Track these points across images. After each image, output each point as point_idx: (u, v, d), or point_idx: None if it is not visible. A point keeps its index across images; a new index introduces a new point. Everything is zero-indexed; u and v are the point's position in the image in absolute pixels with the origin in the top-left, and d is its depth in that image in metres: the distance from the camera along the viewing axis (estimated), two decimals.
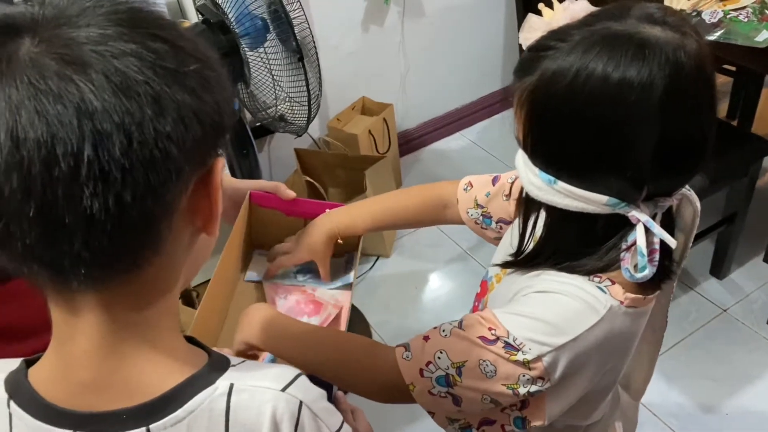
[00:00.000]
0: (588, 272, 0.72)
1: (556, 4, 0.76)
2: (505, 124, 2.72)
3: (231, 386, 0.50)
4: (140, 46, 0.42)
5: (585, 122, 0.65)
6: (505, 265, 0.81)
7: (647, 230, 0.68)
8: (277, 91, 1.52)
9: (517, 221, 0.81)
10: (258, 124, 1.97)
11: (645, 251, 0.68)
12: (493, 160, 2.61)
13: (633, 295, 0.71)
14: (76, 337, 0.48)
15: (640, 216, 0.68)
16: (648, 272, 0.68)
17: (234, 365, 0.52)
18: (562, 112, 0.66)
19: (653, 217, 0.70)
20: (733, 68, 2.31)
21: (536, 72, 0.66)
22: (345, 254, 1.09)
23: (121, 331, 0.48)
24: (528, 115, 0.68)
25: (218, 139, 0.48)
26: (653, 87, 0.62)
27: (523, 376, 0.70)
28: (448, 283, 2.18)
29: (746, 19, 1.64)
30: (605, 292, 0.70)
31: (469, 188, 0.99)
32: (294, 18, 1.40)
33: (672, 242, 0.69)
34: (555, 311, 0.71)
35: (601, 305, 0.70)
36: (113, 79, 0.41)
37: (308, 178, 2.24)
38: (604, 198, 0.67)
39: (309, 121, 1.51)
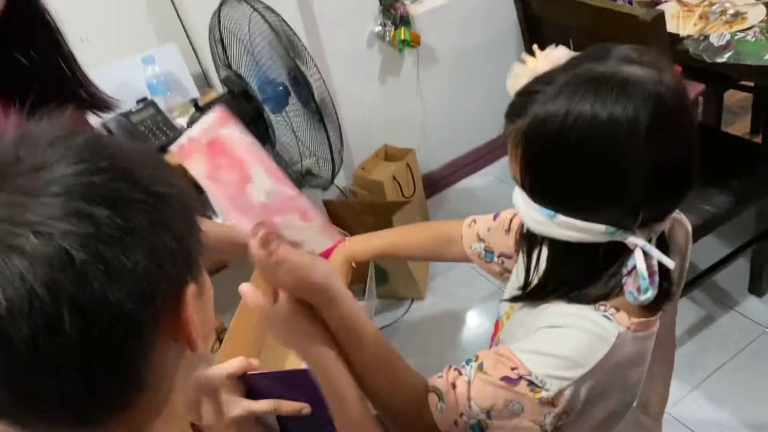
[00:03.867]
0: (593, 300, 0.75)
1: (537, 51, 0.82)
2: None
3: None
4: (86, 221, 0.40)
5: (578, 160, 0.69)
6: (513, 300, 0.85)
7: (645, 254, 0.72)
8: (301, 149, 1.59)
9: (521, 257, 0.85)
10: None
11: (646, 274, 0.71)
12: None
13: (638, 320, 0.74)
14: None
15: (637, 241, 0.72)
16: (651, 294, 0.72)
17: None
18: (555, 152, 0.70)
19: (649, 242, 0.74)
20: (752, 83, 2.32)
21: (527, 116, 0.70)
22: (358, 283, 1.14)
23: None
24: (523, 157, 0.73)
25: (184, 272, 0.46)
26: (639, 121, 0.66)
27: (549, 412, 0.72)
28: (485, 321, 2.19)
29: (754, 39, 1.66)
30: (611, 320, 0.73)
31: (473, 224, 1.07)
32: (312, 81, 1.47)
33: (670, 263, 0.73)
34: (568, 346, 0.73)
35: (609, 334, 0.73)
36: (59, 261, 0.39)
37: (338, 229, 2.29)
38: (602, 227, 0.71)
39: (334, 175, 1.57)
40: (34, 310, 0.38)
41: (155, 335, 0.44)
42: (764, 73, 1.58)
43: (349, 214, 2.33)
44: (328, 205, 2.32)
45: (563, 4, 1.52)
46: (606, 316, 0.74)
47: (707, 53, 1.67)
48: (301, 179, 1.66)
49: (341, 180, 2.45)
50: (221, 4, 1.48)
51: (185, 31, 1.98)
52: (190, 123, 1.44)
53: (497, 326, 0.95)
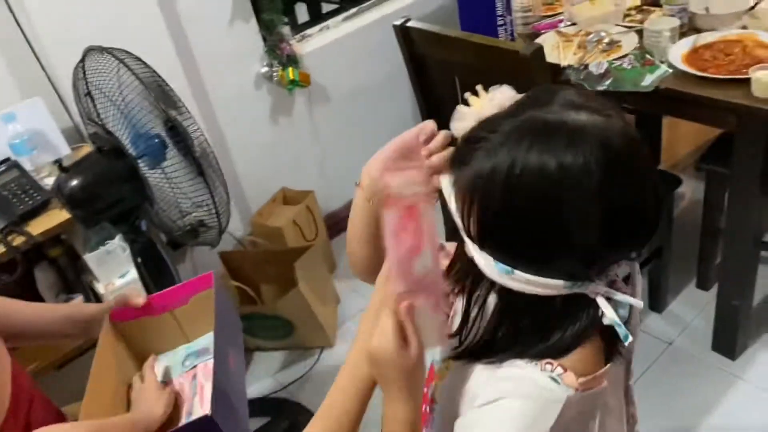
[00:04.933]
0: (542, 355, 0.70)
1: (482, 93, 0.77)
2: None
3: None
4: None
5: (528, 214, 0.65)
6: (455, 357, 0.78)
7: (609, 300, 0.69)
8: (181, 204, 1.48)
9: (458, 301, 0.79)
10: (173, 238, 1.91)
11: (619, 320, 0.69)
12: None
13: (585, 379, 0.70)
14: None
15: (598, 289, 0.69)
16: (631, 338, 0.69)
17: None
18: (502, 206, 0.66)
19: (612, 284, 0.71)
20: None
21: (471, 164, 0.67)
22: None
23: None
24: (469, 210, 0.68)
25: None
26: (590, 171, 0.62)
27: None
28: None
29: (630, 66, 1.71)
30: (559, 383, 0.69)
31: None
32: (190, 131, 1.37)
33: (638, 303, 0.70)
34: (517, 423, 0.68)
35: (557, 398, 0.68)
36: None
37: (237, 283, 2.17)
38: (560, 282, 0.67)
39: (221, 231, 1.47)
40: None
41: None
42: (643, 98, 1.62)
43: (249, 265, 2.22)
44: (225, 258, 2.20)
45: (445, 43, 1.52)
46: (553, 378, 0.69)
47: (588, 82, 1.71)
48: (189, 236, 1.54)
49: (239, 229, 2.33)
50: (83, 57, 1.36)
51: (52, 83, 1.83)
52: (57, 185, 1.31)
53: (431, 373, 0.88)
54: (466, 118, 0.78)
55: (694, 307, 2.06)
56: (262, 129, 2.34)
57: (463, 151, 0.69)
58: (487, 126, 0.68)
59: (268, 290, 2.24)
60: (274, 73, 2.23)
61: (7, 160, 1.65)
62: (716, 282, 1.90)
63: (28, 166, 1.66)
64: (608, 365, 0.73)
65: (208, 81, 2.12)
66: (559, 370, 0.69)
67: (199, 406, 1.14)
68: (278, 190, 2.42)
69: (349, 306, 2.33)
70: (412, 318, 0.74)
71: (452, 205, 0.71)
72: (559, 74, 1.75)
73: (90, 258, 1.69)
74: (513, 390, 0.69)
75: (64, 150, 1.74)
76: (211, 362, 1.18)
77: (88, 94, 1.45)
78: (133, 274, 1.70)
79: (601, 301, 0.68)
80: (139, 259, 1.46)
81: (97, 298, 1.75)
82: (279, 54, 2.21)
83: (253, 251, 2.28)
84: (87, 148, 1.81)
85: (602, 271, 0.70)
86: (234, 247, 2.28)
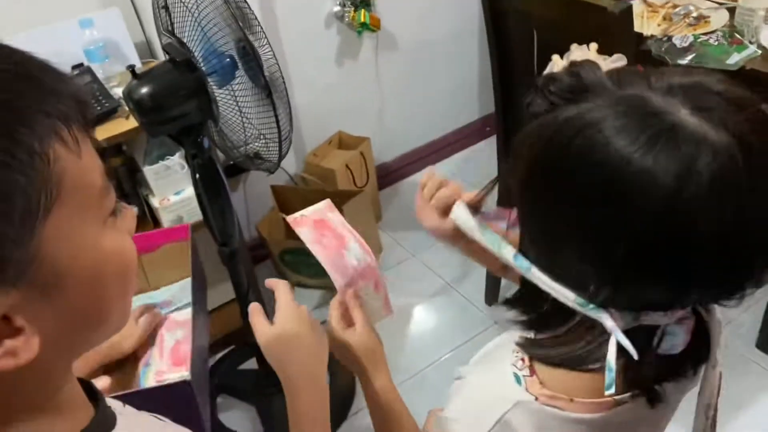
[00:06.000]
0: (526, 348, 0.66)
1: (578, 50, 0.69)
2: (483, 155, 2.71)
3: None
4: None
5: (578, 189, 0.55)
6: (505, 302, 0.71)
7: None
8: (247, 129, 1.49)
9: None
10: (231, 162, 1.93)
11: (613, 365, 0.58)
12: (472, 190, 2.58)
13: (551, 392, 0.62)
14: None
15: (606, 322, 0.58)
16: (613, 390, 0.59)
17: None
18: (545, 171, 0.58)
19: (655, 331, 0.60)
20: None
21: (540, 119, 0.58)
22: None
23: None
24: (516, 161, 0.61)
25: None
26: (688, 180, 0.50)
27: None
28: (433, 318, 2.14)
29: (716, 43, 1.64)
30: (520, 384, 0.64)
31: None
32: (262, 54, 1.37)
33: (633, 352, 0.58)
34: (466, 406, 0.70)
35: (507, 397, 0.63)
36: None
37: (285, 216, 2.20)
38: (572, 295, 0.59)
39: (281, 158, 1.47)
40: None
41: None
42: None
43: (299, 202, 2.24)
44: (276, 191, 2.23)
45: None
46: (516, 376, 0.64)
47: (669, 54, 1.64)
48: (248, 162, 1.56)
49: (292, 166, 2.35)
50: None
51: None
52: (127, 91, 1.33)
53: None
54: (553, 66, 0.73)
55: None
56: (326, 69, 2.33)
57: (540, 99, 0.59)
58: (592, 81, 0.57)
59: None
60: (346, 14, 2.21)
61: (81, 65, 1.69)
62: None
63: (99, 73, 1.69)
64: (619, 406, 0.63)
65: (281, 12, 2.11)
66: (526, 371, 0.64)
67: (158, 357, 1.10)
68: (335, 133, 2.42)
69: (391, 256, 2.33)
70: (360, 302, 0.87)
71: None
72: (639, 43, 1.69)
73: (149, 171, 1.72)
74: (483, 370, 0.70)
75: (134, 62, 1.76)
76: (173, 315, 1.18)
77: (165, 6, 1.46)
78: (189, 192, 1.74)
79: (612, 340, 0.58)
80: (197, 176, 1.48)
81: (151, 211, 1.80)
82: None
83: (304, 188, 2.30)
84: (153, 63, 1.83)
85: (634, 307, 0.58)
86: (286, 183, 2.30)
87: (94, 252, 0.42)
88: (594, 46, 0.71)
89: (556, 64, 0.72)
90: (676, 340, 0.61)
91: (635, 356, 0.58)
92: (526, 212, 0.62)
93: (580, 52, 0.71)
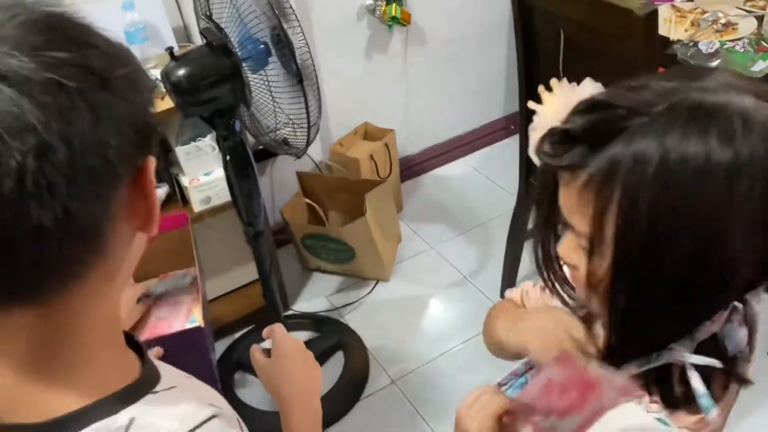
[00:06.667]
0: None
1: (556, 86, 0.66)
2: (506, 153, 2.74)
3: (131, 421, 0.47)
4: (70, 54, 0.41)
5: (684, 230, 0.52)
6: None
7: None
8: (277, 115, 1.54)
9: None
10: (260, 147, 1.99)
11: (704, 390, 0.59)
12: (494, 188, 2.62)
13: (696, 417, 0.62)
14: (2, 343, 0.46)
15: (681, 357, 0.60)
16: (715, 411, 0.60)
17: (155, 392, 0.50)
18: (653, 206, 0.52)
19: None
20: None
21: (607, 154, 0.54)
22: None
23: (50, 346, 0.47)
24: (604, 206, 0.55)
25: (149, 139, 0.48)
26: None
27: None
28: (447, 309, 2.18)
29: (743, 50, 1.66)
30: (668, 425, 0.61)
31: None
32: (295, 42, 1.42)
33: (716, 362, 0.60)
34: None
35: None
36: (50, 90, 0.40)
37: (309, 201, 2.26)
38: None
39: (308, 143, 1.52)
40: (26, 134, 0.38)
41: (122, 201, 0.45)
42: None
43: (322, 189, 2.30)
44: (302, 177, 2.28)
45: None
46: (661, 421, 0.61)
47: (695, 59, 1.66)
48: (277, 146, 1.61)
49: (318, 154, 2.40)
50: None
51: None
52: (165, 72, 1.38)
53: None
54: (539, 128, 0.71)
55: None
56: (355, 61, 2.37)
57: (588, 134, 0.55)
58: (630, 101, 0.55)
59: (336, 216, 2.31)
60: (378, 7, 2.25)
61: None
62: None
63: (137, 54, 1.75)
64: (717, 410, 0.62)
65: (314, 2, 2.16)
66: (663, 411, 0.62)
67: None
68: (361, 124, 2.47)
69: (409, 247, 2.38)
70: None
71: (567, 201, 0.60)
72: (665, 47, 1.71)
73: (180, 151, 1.78)
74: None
75: (172, 45, 1.82)
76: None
77: None
78: (218, 173, 1.80)
79: (691, 371, 0.59)
80: (228, 157, 1.53)
81: (181, 190, 1.86)
82: None
83: (329, 176, 2.35)
84: (189, 47, 1.88)
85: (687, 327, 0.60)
86: (311, 170, 2.36)
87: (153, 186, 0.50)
88: (564, 81, 0.67)
89: (535, 124, 0.68)
90: (736, 337, 0.62)
91: (720, 364, 0.60)
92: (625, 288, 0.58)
93: (560, 89, 0.67)
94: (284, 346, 0.84)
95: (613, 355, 0.64)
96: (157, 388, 0.51)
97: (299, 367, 0.83)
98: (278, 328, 0.87)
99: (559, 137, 0.57)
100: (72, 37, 0.43)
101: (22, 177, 0.38)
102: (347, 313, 2.16)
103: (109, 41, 0.46)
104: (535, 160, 0.61)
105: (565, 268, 0.69)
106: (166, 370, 0.54)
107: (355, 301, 2.19)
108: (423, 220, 2.50)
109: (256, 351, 0.87)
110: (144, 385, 0.51)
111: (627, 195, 0.53)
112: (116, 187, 0.44)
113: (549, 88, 1.09)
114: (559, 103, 0.62)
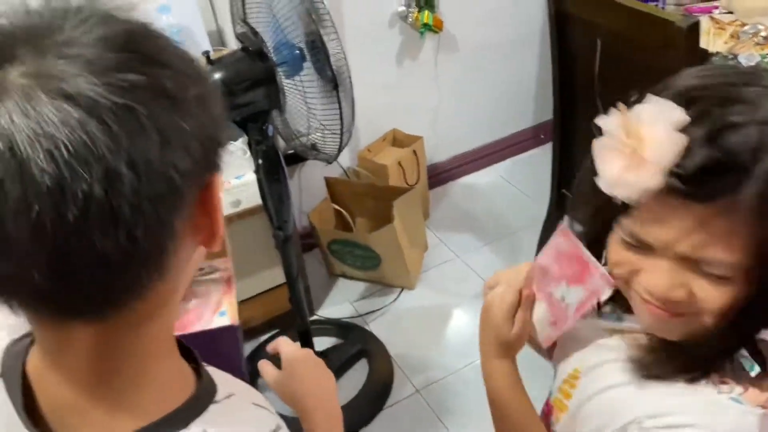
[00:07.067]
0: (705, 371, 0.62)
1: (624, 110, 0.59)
2: (536, 162, 2.71)
3: None
4: (143, 78, 0.40)
5: None
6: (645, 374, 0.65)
7: None
8: (310, 120, 1.54)
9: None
10: (290, 151, 1.99)
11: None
12: (523, 198, 2.59)
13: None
14: (65, 357, 0.46)
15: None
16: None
17: (217, 401, 0.50)
18: None
19: None
20: None
21: (755, 175, 0.52)
22: None
23: (111, 361, 0.46)
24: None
25: (216, 156, 0.46)
26: None
27: None
28: (473, 319, 2.15)
29: None
30: (742, 403, 0.59)
31: None
32: (330, 48, 1.42)
33: None
34: None
35: (751, 424, 0.58)
36: (120, 115, 0.38)
37: (336, 206, 2.26)
38: None
39: (340, 149, 1.52)
40: (94, 162, 0.37)
41: (188, 221, 0.44)
42: None
43: (350, 194, 2.29)
44: (330, 182, 2.28)
45: (596, 3, 1.48)
46: (734, 399, 0.60)
47: None
48: (308, 151, 1.61)
49: (345, 159, 2.40)
50: None
51: None
52: None
53: (549, 410, 0.81)
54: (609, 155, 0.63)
55: None
56: (386, 67, 2.37)
57: (721, 163, 0.53)
58: (734, 101, 0.54)
59: (362, 222, 2.31)
60: (410, 14, 2.25)
61: None
62: None
63: None
64: None
65: (347, 9, 2.17)
66: (738, 389, 0.61)
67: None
68: (389, 131, 2.46)
69: (436, 255, 2.36)
70: (530, 307, 0.76)
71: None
72: (704, 60, 1.68)
73: None
74: (694, 421, 0.59)
75: (207, 49, 1.84)
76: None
77: None
78: (249, 177, 1.80)
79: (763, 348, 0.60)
80: (259, 161, 1.53)
81: None
82: None
83: (357, 182, 2.35)
84: (224, 51, 1.90)
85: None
86: (339, 176, 2.36)
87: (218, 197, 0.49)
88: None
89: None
90: None
91: None
92: None
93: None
94: (294, 358, 0.83)
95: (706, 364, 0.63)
96: (218, 397, 0.50)
97: (312, 375, 0.82)
98: (283, 340, 0.86)
99: (694, 169, 0.53)
100: (146, 55, 0.41)
101: (87, 205, 0.37)
102: (372, 320, 2.15)
103: (183, 58, 0.44)
104: (611, 191, 0.58)
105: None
106: (217, 375, 0.54)
107: (380, 309, 2.18)
108: (450, 229, 2.48)
109: (265, 365, 0.85)
110: (205, 396, 0.50)
111: None
112: (182, 208, 0.43)
113: (587, 98, 1.07)
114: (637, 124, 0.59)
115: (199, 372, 0.52)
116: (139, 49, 0.41)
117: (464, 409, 1.83)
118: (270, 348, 0.88)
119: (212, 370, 0.54)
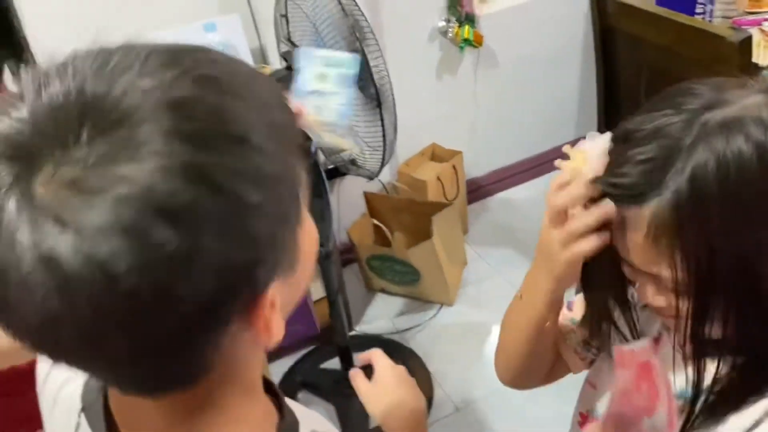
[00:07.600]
0: None
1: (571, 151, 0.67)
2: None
3: None
4: (216, 185, 0.35)
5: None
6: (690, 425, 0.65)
7: None
8: (353, 137, 1.55)
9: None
10: (330, 166, 2.01)
11: None
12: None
13: None
14: (138, 415, 0.46)
15: None
16: None
17: None
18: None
19: None
20: None
21: (665, 187, 0.57)
22: None
23: (188, 424, 0.45)
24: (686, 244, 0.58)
25: (277, 265, 0.41)
26: None
27: None
28: None
29: None
30: None
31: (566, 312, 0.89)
32: (373, 65, 1.43)
33: None
34: None
35: None
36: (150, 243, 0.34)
37: (375, 221, 2.26)
38: None
39: (382, 165, 1.52)
40: (146, 278, 0.34)
41: (229, 326, 0.40)
42: None
43: (389, 209, 2.29)
44: (369, 197, 2.28)
45: (643, 18, 1.46)
46: None
47: None
48: (350, 167, 1.62)
49: (385, 175, 2.40)
50: None
51: (249, 3, 1.95)
52: None
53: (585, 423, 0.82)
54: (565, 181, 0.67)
55: None
56: (425, 82, 2.37)
57: (635, 180, 0.59)
58: (656, 136, 0.59)
59: (401, 237, 2.30)
60: (450, 29, 2.25)
61: None
62: None
63: None
64: None
65: (387, 24, 2.18)
66: None
67: None
68: (428, 145, 2.46)
69: (474, 271, 2.34)
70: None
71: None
72: (754, 73, 1.64)
73: None
74: None
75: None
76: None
77: (285, 15, 1.54)
78: None
79: None
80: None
81: None
82: (459, 11, 2.23)
83: (396, 197, 2.35)
84: (267, 69, 1.92)
85: None
86: (378, 191, 2.36)
87: (311, 228, 0.47)
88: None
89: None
90: None
91: None
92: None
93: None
94: (389, 372, 0.83)
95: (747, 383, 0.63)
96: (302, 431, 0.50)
97: (411, 404, 0.82)
98: (378, 354, 0.85)
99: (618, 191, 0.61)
100: (228, 136, 0.37)
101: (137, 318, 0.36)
102: (411, 336, 2.13)
103: (271, 126, 0.40)
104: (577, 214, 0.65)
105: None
106: (297, 409, 0.52)
107: (419, 325, 2.16)
108: (489, 244, 2.46)
109: (357, 376, 0.84)
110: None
111: (704, 219, 0.56)
112: (219, 324, 0.40)
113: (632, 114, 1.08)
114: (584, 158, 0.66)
115: (281, 407, 0.51)
116: (223, 128, 0.37)
117: (505, 430, 1.80)
118: (361, 358, 0.87)
119: (289, 402, 0.53)
